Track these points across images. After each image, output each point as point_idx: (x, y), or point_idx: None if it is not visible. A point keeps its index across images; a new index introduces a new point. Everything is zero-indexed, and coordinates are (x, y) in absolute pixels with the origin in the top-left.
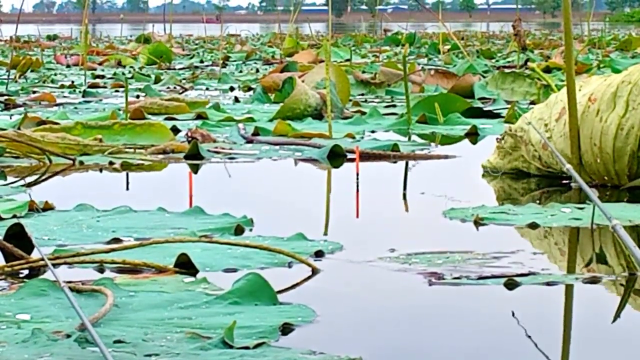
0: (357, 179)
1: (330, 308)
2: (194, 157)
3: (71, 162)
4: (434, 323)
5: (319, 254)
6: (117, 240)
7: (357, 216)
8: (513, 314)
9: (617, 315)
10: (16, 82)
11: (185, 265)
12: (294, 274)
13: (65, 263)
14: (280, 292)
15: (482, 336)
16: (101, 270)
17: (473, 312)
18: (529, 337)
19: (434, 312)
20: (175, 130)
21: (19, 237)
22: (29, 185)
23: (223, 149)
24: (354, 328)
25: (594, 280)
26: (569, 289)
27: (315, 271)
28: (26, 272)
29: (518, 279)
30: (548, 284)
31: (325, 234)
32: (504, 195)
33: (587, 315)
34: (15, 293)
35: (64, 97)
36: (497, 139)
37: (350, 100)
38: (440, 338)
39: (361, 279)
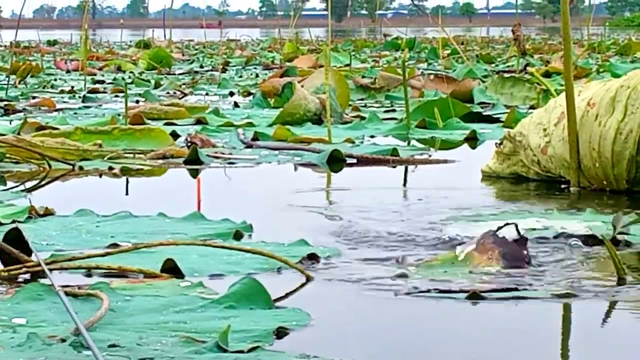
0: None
1: (326, 312)
2: (194, 162)
3: (71, 167)
4: (430, 327)
5: (313, 257)
6: (115, 245)
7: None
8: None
9: (605, 319)
10: (16, 87)
11: (172, 271)
12: (290, 278)
13: (61, 268)
14: (277, 300)
15: (480, 340)
16: (91, 275)
17: (470, 315)
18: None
19: (430, 316)
20: (175, 135)
21: (17, 242)
22: (29, 190)
23: (222, 154)
24: (349, 332)
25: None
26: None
27: (309, 279)
28: (24, 276)
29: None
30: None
31: (323, 238)
32: (503, 200)
33: (586, 323)
34: (11, 297)
35: (64, 102)
36: (496, 143)
37: (350, 105)
38: (437, 342)
39: (357, 284)
